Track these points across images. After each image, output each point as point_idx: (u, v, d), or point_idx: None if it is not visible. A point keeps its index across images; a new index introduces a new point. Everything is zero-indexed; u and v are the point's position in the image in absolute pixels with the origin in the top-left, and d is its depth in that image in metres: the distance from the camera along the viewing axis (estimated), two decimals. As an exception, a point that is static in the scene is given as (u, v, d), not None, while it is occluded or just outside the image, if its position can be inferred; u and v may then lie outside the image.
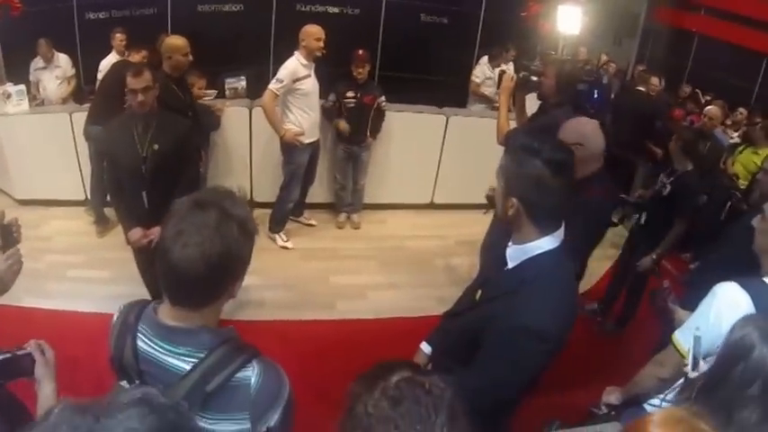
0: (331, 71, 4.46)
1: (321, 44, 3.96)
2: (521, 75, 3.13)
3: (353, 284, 4.08)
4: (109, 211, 4.23)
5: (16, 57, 5.56)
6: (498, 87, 3.35)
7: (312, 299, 3.84)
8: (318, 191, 4.94)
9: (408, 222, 5.06)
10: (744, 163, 4.78)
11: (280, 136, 4.08)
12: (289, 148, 4.14)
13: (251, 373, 1.10)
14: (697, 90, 6.23)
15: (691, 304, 1.84)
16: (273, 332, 3.29)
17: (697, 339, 1.48)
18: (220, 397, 1.07)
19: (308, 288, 3.96)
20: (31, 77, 5.39)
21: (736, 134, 5.56)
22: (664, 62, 8.18)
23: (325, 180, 4.96)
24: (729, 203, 4.44)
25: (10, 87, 4.60)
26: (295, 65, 3.97)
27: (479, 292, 1.63)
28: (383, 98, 4.59)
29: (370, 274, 4.24)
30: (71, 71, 5.58)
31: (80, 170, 4.62)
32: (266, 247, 4.42)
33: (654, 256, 3.48)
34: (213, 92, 4.66)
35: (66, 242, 4.27)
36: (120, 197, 2.89)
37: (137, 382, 1.12)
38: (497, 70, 5.84)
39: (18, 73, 5.26)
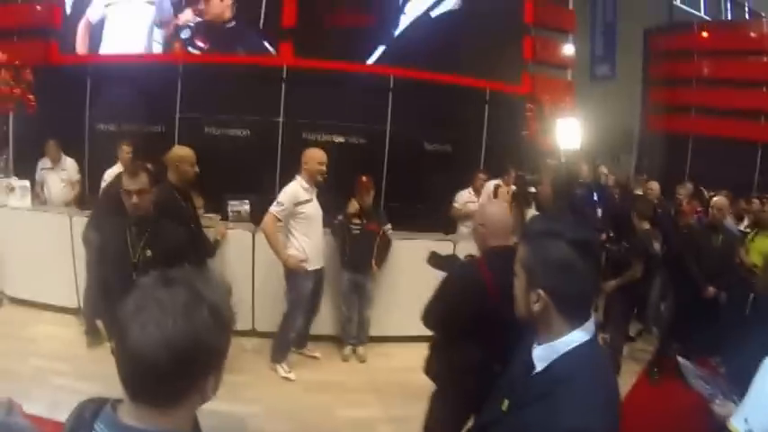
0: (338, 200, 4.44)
1: (324, 168, 3.92)
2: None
3: (360, 418, 3.71)
4: (102, 325, 3.98)
5: (26, 154, 5.63)
6: None
7: (317, 432, 3.47)
8: (322, 322, 4.64)
9: (416, 355, 4.70)
10: (760, 250, 4.60)
11: (282, 261, 3.93)
12: (292, 274, 3.96)
13: None
14: (701, 187, 6.21)
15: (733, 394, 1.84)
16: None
17: None
18: None
19: (312, 421, 3.60)
20: (37, 177, 5.37)
21: (743, 224, 5.44)
22: (662, 170, 8.31)
23: (330, 311, 4.70)
24: (752, 296, 4.19)
25: (15, 181, 4.64)
26: (295, 188, 3.92)
27: (506, 401, 1.40)
28: (389, 226, 4.52)
29: (377, 408, 3.87)
30: (76, 176, 5.53)
31: (75, 277, 4.45)
32: (268, 377, 4.13)
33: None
34: (216, 215, 4.64)
35: (53, 348, 4.01)
36: (108, 301, 2.67)
37: None
38: (487, 189, 5.80)
39: (26, 170, 5.31)
